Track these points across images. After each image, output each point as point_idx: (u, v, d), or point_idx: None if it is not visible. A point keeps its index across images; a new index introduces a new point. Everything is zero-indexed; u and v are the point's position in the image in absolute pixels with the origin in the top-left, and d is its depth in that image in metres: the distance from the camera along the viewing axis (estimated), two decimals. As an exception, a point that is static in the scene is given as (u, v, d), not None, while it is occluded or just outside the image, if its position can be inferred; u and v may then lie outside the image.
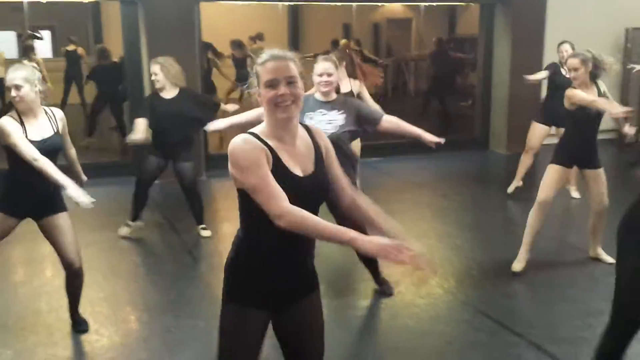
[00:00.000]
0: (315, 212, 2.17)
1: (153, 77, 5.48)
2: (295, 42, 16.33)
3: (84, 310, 4.24)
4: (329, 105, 4.12)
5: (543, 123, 6.83)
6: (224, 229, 6.31)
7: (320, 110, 4.07)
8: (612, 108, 4.35)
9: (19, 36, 13.75)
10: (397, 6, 15.84)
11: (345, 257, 4.83)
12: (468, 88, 14.50)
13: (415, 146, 9.44)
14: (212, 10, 8.93)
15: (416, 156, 9.25)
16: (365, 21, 16.18)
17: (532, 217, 4.82)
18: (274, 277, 2.22)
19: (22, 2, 11.17)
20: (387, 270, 4.97)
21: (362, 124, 4.15)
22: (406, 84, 16.14)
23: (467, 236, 5.96)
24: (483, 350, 3.79)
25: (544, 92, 9.72)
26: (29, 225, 3.80)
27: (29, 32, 13.20)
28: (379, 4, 14.09)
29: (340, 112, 4.09)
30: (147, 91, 7.84)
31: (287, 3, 13.45)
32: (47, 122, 3.65)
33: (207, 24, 8.38)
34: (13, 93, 3.50)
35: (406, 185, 7.77)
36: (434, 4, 10.79)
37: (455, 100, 14.54)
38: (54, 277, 4.91)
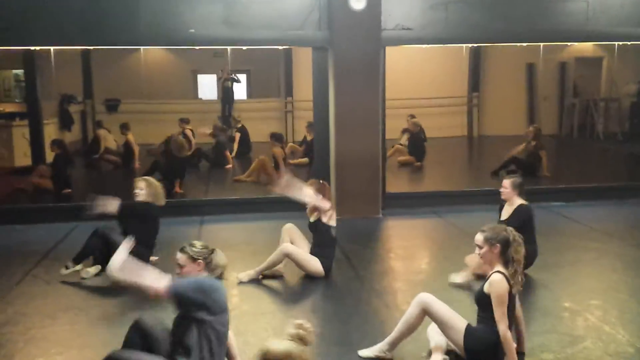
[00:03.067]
0: None
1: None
2: (475, 82, 16.18)
3: (266, 335, 4.52)
4: None
5: None
6: (399, 267, 6.38)
7: None
8: None
9: (219, 79, 15.11)
10: (587, 45, 15.10)
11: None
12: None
13: (603, 191, 9.00)
14: (396, 53, 9.17)
15: (604, 202, 8.71)
16: (552, 60, 15.61)
17: None
18: None
19: (225, 48, 12.26)
20: (572, 323, 4.73)
21: None
22: (594, 125, 15.25)
23: (664, 292, 5.47)
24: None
25: None
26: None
27: (229, 75, 14.47)
28: (568, 43, 13.52)
29: None
30: (333, 132, 8.25)
31: (470, 45, 13.40)
32: None
33: (389, 66, 8.64)
34: None
35: (594, 233, 7.32)
36: (629, 43, 10.15)
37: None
38: (242, 302, 5.30)
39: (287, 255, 5.70)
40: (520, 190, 5.88)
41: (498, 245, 3.87)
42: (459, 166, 12.79)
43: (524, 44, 10.62)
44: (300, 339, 2.86)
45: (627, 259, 6.37)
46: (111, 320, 4.97)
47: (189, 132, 12.38)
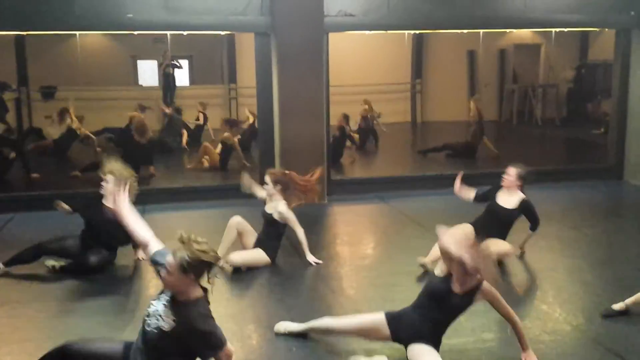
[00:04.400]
0: None
1: None
2: (418, 68, 16.36)
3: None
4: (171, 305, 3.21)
5: None
6: (344, 252, 6.41)
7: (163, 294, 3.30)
8: None
9: (160, 65, 14.78)
10: (525, 32, 15.46)
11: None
12: (600, 115, 13.90)
13: (541, 174, 9.27)
14: (339, 40, 9.18)
15: (542, 185, 8.95)
16: (492, 47, 15.91)
17: None
18: None
19: (166, 34, 12.01)
20: (511, 303, 4.84)
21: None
22: (533, 110, 15.67)
23: (598, 272, 5.67)
24: (615, 393, 3.59)
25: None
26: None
27: (170, 61, 14.19)
28: (507, 30, 13.81)
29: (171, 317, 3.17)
30: (277, 118, 8.20)
31: (412, 31, 13.52)
32: None
33: (333, 53, 8.63)
34: None
35: (532, 216, 7.52)
36: (565, 29, 10.44)
37: (586, 128, 13.99)
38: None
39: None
40: (523, 182, 5.85)
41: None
42: (403, 152, 12.94)
43: (465, 31, 10.78)
44: None
45: (565, 240, 6.59)
46: (51, 313, 4.83)
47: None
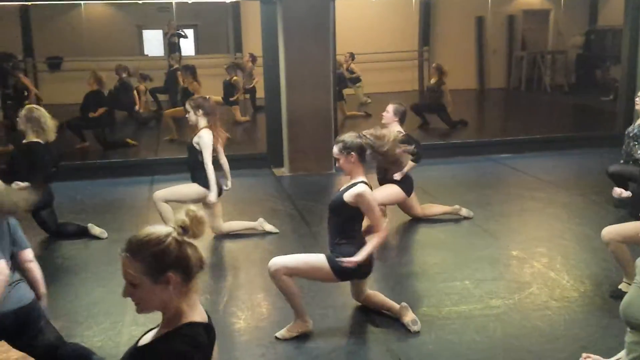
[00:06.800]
0: None
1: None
2: (426, 36, 16.18)
3: (222, 295, 4.54)
4: None
5: None
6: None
7: None
8: None
9: (165, 34, 14.67)
10: (534, -3, 15.26)
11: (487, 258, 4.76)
12: (609, 82, 13.75)
13: (550, 142, 9.23)
14: (346, 7, 9.07)
15: (551, 153, 8.93)
16: (500, 13, 15.71)
17: None
18: None
19: (171, 2, 11.91)
20: (519, 270, 4.87)
21: None
22: (541, 77, 15.52)
23: (606, 239, 5.67)
24: (621, 359, 3.61)
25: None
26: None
27: (175, 30, 14.08)
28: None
29: None
30: (284, 87, 8.15)
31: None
32: None
33: (340, 21, 8.54)
34: None
35: (540, 183, 7.51)
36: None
37: (595, 94, 13.86)
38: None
39: (159, 200, 5.43)
40: (401, 118, 5.98)
41: (353, 153, 3.83)
42: (408, 121, 12.85)
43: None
44: (184, 228, 2.03)
45: (572, 207, 6.57)
46: (48, 279, 4.89)
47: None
